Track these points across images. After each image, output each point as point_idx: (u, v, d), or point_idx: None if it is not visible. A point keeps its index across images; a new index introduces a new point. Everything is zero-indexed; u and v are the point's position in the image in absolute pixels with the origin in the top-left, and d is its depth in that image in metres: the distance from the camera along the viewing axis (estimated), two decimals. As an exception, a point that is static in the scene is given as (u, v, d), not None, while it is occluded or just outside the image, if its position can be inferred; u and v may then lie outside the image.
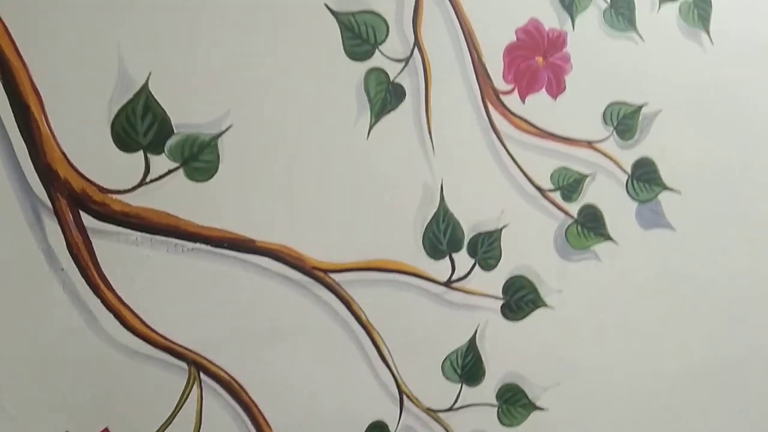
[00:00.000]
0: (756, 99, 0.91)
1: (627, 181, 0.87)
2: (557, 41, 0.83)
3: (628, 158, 0.86)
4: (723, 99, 0.90)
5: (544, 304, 0.83)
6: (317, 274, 0.73)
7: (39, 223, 0.64)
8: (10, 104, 0.63)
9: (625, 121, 0.86)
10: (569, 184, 0.84)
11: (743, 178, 0.91)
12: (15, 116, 0.64)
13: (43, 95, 0.64)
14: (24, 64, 0.64)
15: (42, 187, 0.64)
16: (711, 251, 0.90)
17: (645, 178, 0.87)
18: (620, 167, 0.86)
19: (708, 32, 0.90)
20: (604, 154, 0.85)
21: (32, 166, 0.64)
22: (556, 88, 0.83)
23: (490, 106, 0.80)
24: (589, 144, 0.85)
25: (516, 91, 0.81)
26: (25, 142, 0.64)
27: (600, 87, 0.85)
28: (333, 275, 0.74)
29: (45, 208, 0.65)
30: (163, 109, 0.68)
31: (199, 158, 0.70)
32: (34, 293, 0.64)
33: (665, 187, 0.88)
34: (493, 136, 0.81)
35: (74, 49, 0.65)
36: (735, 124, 0.91)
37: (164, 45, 0.68)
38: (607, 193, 0.85)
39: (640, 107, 0.87)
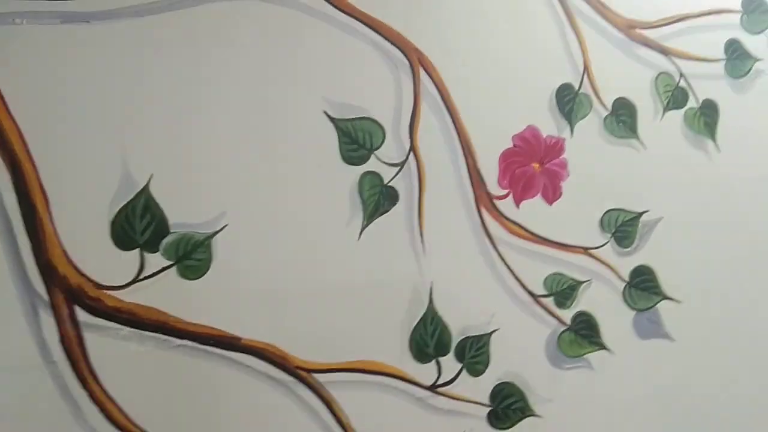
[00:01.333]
0: (763, 207, 0.90)
1: (624, 288, 0.86)
2: (555, 148, 0.84)
3: (626, 265, 0.86)
4: (728, 207, 0.90)
5: (533, 413, 0.82)
6: (300, 373, 0.74)
7: (36, 317, 0.68)
8: (18, 203, 0.68)
9: (623, 228, 0.86)
10: (563, 291, 0.83)
11: (746, 288, 0.89)
12: (22, 215, 0.68)
13: (49, 195, 0.68)
14: (34, 166, 0.68)
15: (42, 281, 0.68)
16: (712, 364, 0.88)
17: (643, 286, 0.86)
18: (617, 274, 0.85)
19: (714, 139, 0.90)
20: (601, 261, 0.85)
21: (34, 262, 0.68)
22: (552, 194, 0.83)
23: (483, 211, 0.81)
24: (585, 250, 0.84)
25: (511, 196, 0.82)
26: (29, 239, 0.68)
27: (598, 193, 0.85)
28: (316, 375, 0.75)
29: (42, 302, 0.68)
30: (161, 209, 0.71)
31: (192, 257, 0.72)
32: (24, 384, 0.67)
33: (665, 297, 0.87)
34: (486, 240, 0.81)
35: (81, 153, 0.70)
36: (740, 234, 0.89)
37: (166, 148, 0.72)
38: (603, 300, 0.85)
39: (640, 214, 0.86)
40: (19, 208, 0.68)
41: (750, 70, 0.93)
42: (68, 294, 0.69)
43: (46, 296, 0.68)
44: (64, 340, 0.69)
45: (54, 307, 0.68)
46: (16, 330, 0.67)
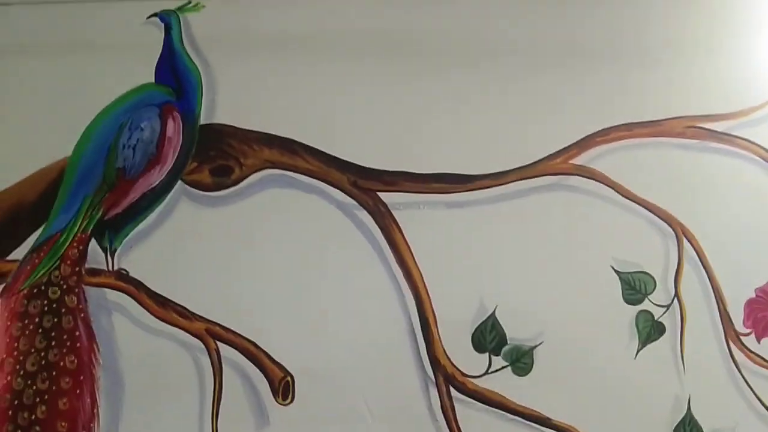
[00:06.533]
0: None
1: None
2: (791, 300, 1.09)
3: None
4: None
5: (764, 501, 1.07)
6: (591, 453, 1.08)
7: (427, 391, 1.09)
8: (419, 320, 1.11)
9: None
10: (796, 411, 1.07)
11: None
12: (421, 327, 1.11)
13: (437, 315, 1.11)
14: (429, 297, 1.11)
15: (431, 369, 1.10)
16: None
17: None
18: None
19: None
20: (829, 392, 1.08)
21: (427, 356, 1.10)
22: (789, 335, 1.09)
23: (731, 344, 1.09)
24: (815, 382, 1.08)
25: (753, 334, 1.09)
26: (425, 342, 1.10)
27: (827, 339, 1.09)
28: (602, 452, 1.08)
29: (431, 382, 1.09)
30: (502, 328, 1.10)
31: (521, 361, 1.10)
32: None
33: None
34: (733, 365, 1.09)
35: (446, 289, 1.11)
36: None
37: (508, 289, 1.11)
38: (830, 423, 1.07)
39: None
40: (419, 322, 1.11)
41: None
42: (445, 378, 1.10)
43: (433, 378, 1.10)
44: (443, 407, 1.09)
45: (437, 386, 1.10)
46: (419, 399, 1.10)
